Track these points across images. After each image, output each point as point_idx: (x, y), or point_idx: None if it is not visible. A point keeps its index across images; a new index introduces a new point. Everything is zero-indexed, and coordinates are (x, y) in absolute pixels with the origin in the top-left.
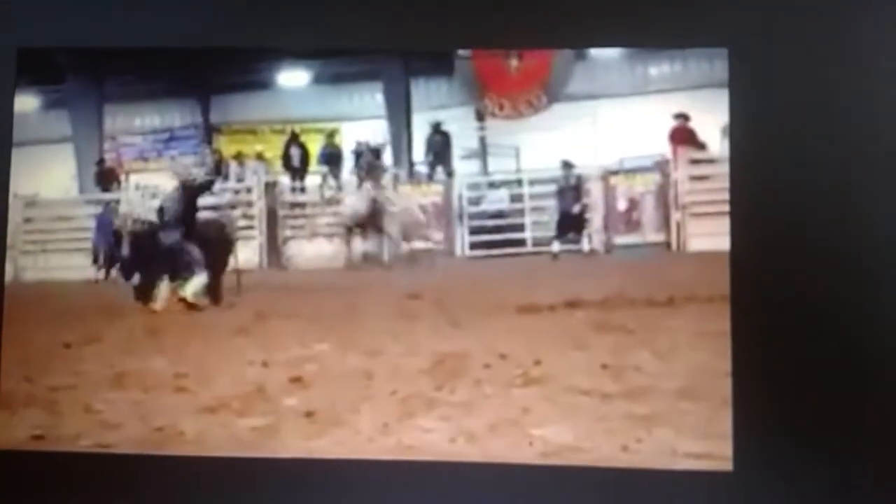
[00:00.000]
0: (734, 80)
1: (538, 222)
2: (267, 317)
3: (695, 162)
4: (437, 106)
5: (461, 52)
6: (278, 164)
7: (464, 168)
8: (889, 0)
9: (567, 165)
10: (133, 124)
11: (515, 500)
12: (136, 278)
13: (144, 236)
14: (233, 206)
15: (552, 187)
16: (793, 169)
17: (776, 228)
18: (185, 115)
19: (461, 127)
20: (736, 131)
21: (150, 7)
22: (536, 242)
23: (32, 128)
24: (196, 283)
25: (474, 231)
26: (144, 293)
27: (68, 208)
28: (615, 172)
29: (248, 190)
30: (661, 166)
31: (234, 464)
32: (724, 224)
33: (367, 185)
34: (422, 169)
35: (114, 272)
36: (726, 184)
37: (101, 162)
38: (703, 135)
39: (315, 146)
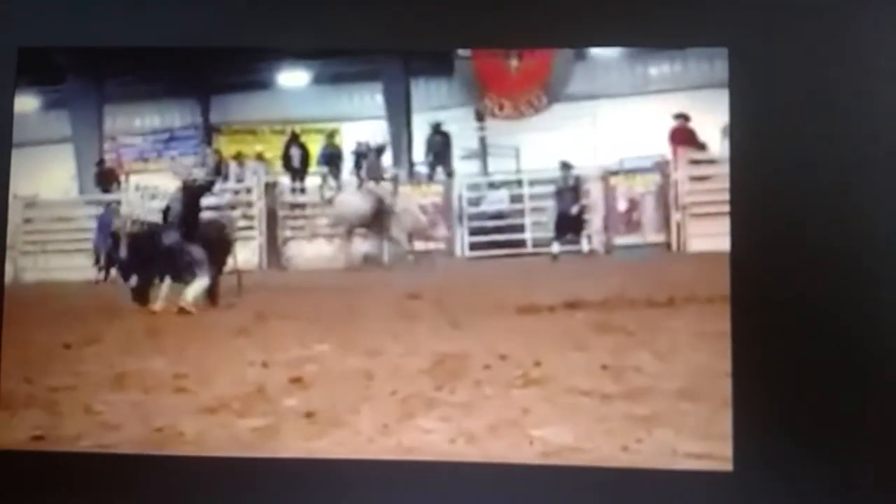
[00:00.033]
0: (734, 80)
1: (538, 223)
2: (267, 317)
3: (695, 162)
4: (437, 106)
5: (461, 52)
6: (278, 165)
7: (464, 168)
8: (889, 0)
9: (565, 166)
10: (133, 125)
11: (515, 500)
12: (134, 280)
13: (144, 237)
14: (233, 207)
15: (552, 188)
16: (793, 169)
17: (776, 229)
18: (185, 115)
19: (461, 127)
20: (736, 131)
21: (150, 7)
22: (536, 243)
23: (32, 128)
24: (197, 288)
25: (474, 232)
26: (142, 295)
27: (68, 209)
28: (615, 173)
29: (248, 190)
30: (662, 167)
31: (234, 464)
32: (725, 224)
33: (372, 186)
34: (422, 169)
35: (114, 273)
36: (726, 184)
37: (101, 162)
38: (703, 135)
39: (315, 146)
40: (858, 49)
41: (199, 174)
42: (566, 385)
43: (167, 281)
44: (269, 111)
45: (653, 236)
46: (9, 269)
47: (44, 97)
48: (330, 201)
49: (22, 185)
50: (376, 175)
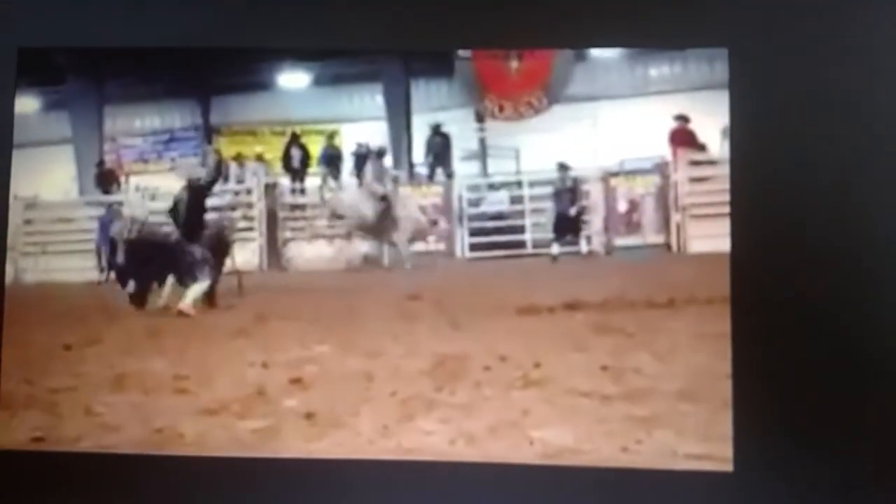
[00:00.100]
0: (734, 81)
1: (538, 224)
2: (267, 318)
3: (695, 163)
4: (437, 107)
5: (461, 53)
6: (278, 166)
7: (464, 169)
8: (889, 0)
9: (563, 167)
10: (133, 126)
11: (515, 500)
12: (132, 286)
13: (143, 240)
14: (233, 208)
15: (552, 189)
16: (793, 169)
17: (776, 229)
18: (185, 116)
19: (461, 128)
20: (736, 131)
21: (150, 7)
22: (536, 244)
23: (33, 129)
24: (196, 290)
25: (474, 233)
26: (139, 300)
27: (68, 210)
28: (615, 174)
29: (248, 191)
30: (662, 168)
31: (234, 464)
32: (725, 225)
33: (375, 189)
34: (422, 170)
35: (114, 274)
36: (726, 185)
37: (101, 163)
38: (702, 136)
39: (315, 147)
40: (858, 49)
41: (202, 173)
42: (566, 386)
43: (168, 281)
44: (270, 112)
45: (653, 237)
46: (9, 270)
47: (44, 98)
48: (333, 205)
49: (22, 186)
50: (382, 179)
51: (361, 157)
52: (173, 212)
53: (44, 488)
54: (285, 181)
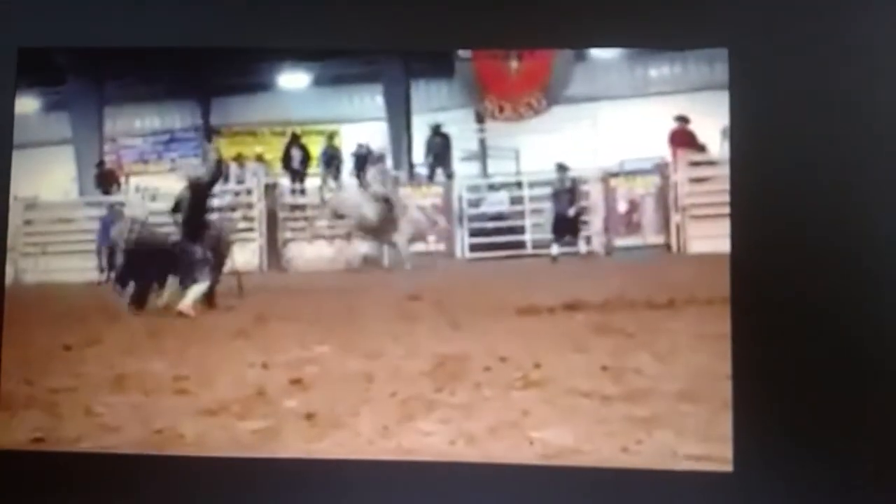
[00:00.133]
0: (734, 81)
1: (538, 224)
2: (267, 319)
3: (695, 164)
4: (437, 108)
5: (461, 53)
6: (278, 166)
7: (464, 170)
8: (889, 0)
9: (561, 168)
10: (133, 126)
11: (516, 500)
12: (131, 288)
13: (143, 241)
14: (233, 208)
15: (550, 190)
16: (793, 169)
17: (776, 230)
18: (185, 116)
19: (461, 129)
20: (736, 132)
21: (150, 7)
22: (536, 244)
23: (33, 130)
24: (196, 291)
25: (474, 233)
26: (139, 302)
27: (68, 210)
28: (615, 174)
29: (248, 192)
30: (661, 168)
31: (234, 464)
32: (725, 226)
33: (377, 191)
34: (422, 171)
35: (114, 274)
36: (726, 186)
37: (101, 164)
38: (702, 137)
39: (316, 148)
40: (858, 49)
41: (202, 172)
42: (566, 386)
43: (169, 282)
44: (270, 113)
45: (653, 238)
46: (9, 270)
47: (44, 98)
48: (333, 206)
49: (22, 186)
50: (385, 181)
51: (361, 158)
52: (175, 211)
53: (44, 488)
54: (285, 182)
